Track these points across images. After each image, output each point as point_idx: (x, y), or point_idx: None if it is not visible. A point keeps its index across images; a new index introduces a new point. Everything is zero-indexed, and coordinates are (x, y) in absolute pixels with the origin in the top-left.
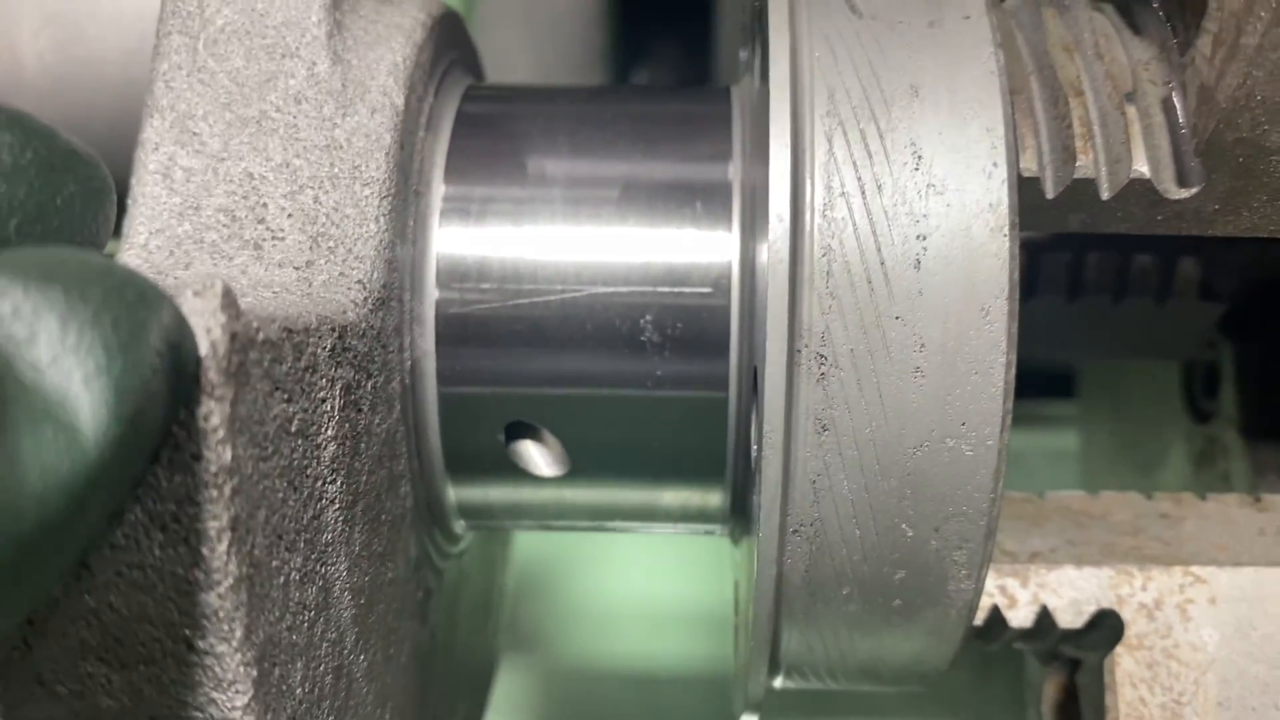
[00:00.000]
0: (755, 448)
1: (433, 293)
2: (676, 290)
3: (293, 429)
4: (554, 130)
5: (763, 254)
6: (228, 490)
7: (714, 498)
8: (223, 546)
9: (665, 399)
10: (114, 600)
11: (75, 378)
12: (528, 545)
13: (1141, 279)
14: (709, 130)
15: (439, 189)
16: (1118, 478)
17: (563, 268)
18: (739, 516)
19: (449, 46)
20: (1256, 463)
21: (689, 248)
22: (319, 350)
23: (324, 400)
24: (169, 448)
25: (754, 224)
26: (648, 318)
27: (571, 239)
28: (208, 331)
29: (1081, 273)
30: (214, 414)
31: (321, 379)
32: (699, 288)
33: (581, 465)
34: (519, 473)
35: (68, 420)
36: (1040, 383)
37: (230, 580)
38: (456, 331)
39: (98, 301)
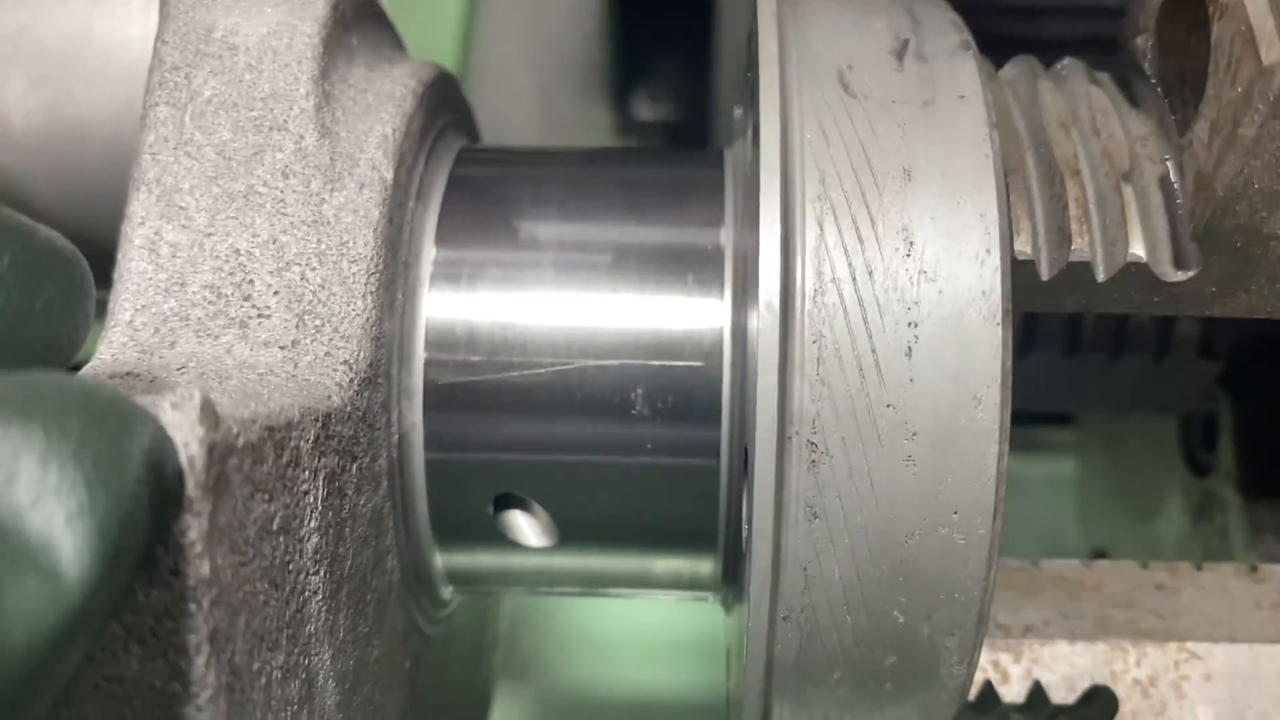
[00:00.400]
0: (746, 529)
1: (421, 365)
2: (667, 363)
3: (274, 527)
4: (545, 195)
5: (755, 323)
6: (206, 603)
7: (705, 566)
8: (201, 659)
9: (656, 470)
10: (91, 712)
11: (58, 519)
12: (516, 621)
13: (1139, 336)
14: (701, 197)
15: (429, 258)
16: (1114, 523)
17: (553, 338)
18: (731, 584)
19: (442, 110)
20: (1254, 522)
21: (680, 318)
22: (302, 444)
23: (306, 493)
24: (147, 563)
25: (746, 292)
26: (639, 390)
27: (562, 307)
28: (185, 446)
29: (1079, 329)
30: (191, 528)
31: (304, 472)
32: (690, 360)
33: (571, 535)
34: (508, 541)
35: (50, 565)
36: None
37: (209, 691)
38: (445, 403)
39: (78, 436)
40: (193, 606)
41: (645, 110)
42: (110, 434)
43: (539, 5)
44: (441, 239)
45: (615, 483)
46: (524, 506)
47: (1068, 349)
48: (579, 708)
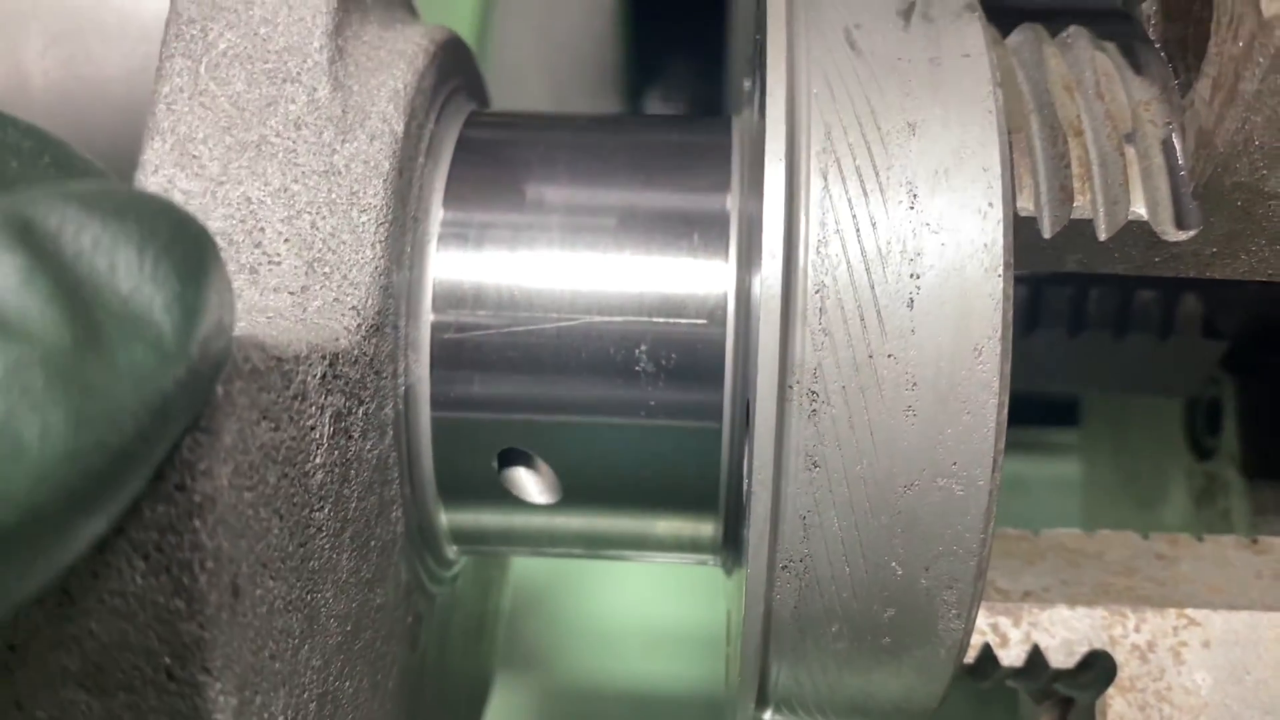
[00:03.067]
0: (747, 481)
1: (428, 318)
2: (671, 321)
3: (279, 457)
4: (553, 158)
5: (758, 286)
6: (210, 520)
7: (707, 528)
8: (204, 577)
9: (659, 429)
10: (95, 627)
11: (156, 303)
12: (524, 564)
13: (1144, 315)
14: (708, 161)
15: (437, 215)
16: (1118, 512)
17: (558, 296)
18: (732, 548)
19: (453, 72)
20: (1256, 502)
21: (685, 278)
22: (309, 378)
23: (313, 428)
24: (153, 479)
25: (750, 255)
26: (643, 347)
27: (568, 267)
28: None
29: (1084, 307)
30: (198, 443)
31: (311, 406)
32: (694, 319)
33: (574, 493)
34: (512, 499)
35: (153, 339)
36: (1044, 411)
37: (210, 610)
38: (451, 358)
39: (167, 234)
40: (196, 523)
41: (658, 109)
42: (194, 237)
43: (553, 5)
44: (450, 198)
45: (618, 441)
46: (528, 463)
47: (1072, 328)
48: (580, 699)
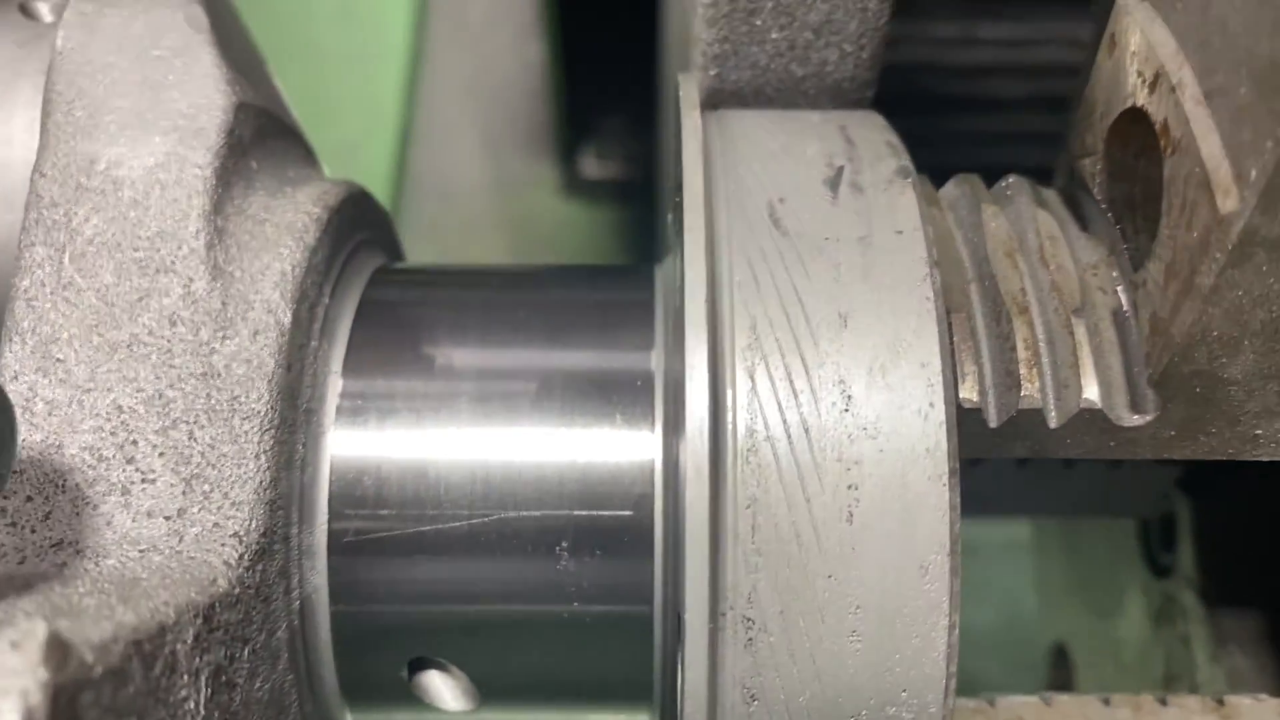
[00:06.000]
0: (680, 708)
1: (325, 523)
2: (595, 513)
3: None
4: (463, 323)
5: (686, 471)
6: None
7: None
8: None
9: (584, 626)
10: None
11: None
12: None
13: None
14: (629, 322)
15: (335, 396)
16: (1075, 621)
17: (470, 489)
18: None
19: (353, 230)
20: (1217, 632)
21: (608, 457)
22: (178, 646)
23: (185, 699)
24: None
25: (678, 424)
26: (564, 544)
27: (480, 449)
28: (24, 695)
29: None
30: None
31: (182, 677)
32: (620, 510)
33: (494, 695)
34: (425, 705)
35: None
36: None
37: None
38: (351, 564)
39: None
40: None
41: (592, 168)
42: None
43: (484, 62)
44: (350, 372)
45: (539, 643)
46: (441, 668)
47: (1019, 458)
48: None
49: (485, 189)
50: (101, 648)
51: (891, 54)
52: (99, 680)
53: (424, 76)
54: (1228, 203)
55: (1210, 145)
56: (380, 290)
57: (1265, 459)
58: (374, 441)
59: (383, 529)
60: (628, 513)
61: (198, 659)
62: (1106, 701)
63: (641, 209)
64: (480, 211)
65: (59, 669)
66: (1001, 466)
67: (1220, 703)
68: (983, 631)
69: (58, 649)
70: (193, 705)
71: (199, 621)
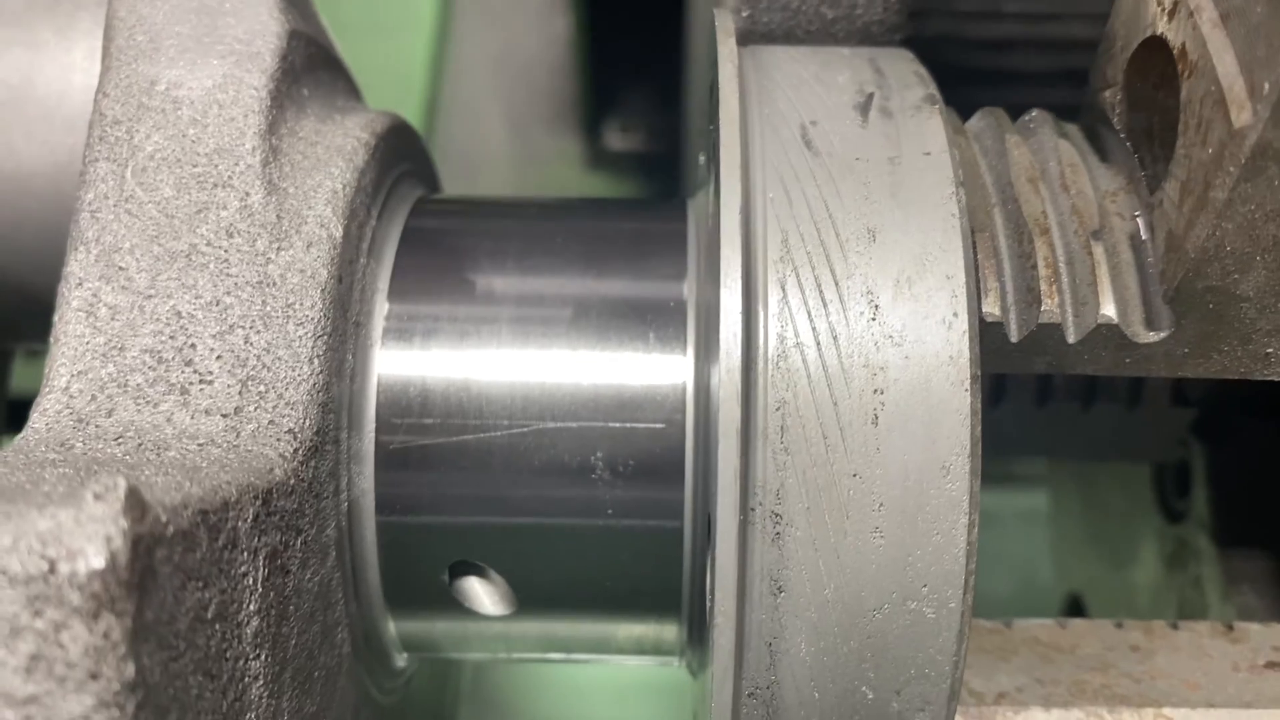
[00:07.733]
0: (710, 601)
1: (372, 429)
2: (628, 425)
3: (209, 615)
4: (503, 249)
5: (716, 392)
6: (130, 707)
7: (670, 630)
8: None
9: (617, 535)
10: None
11: None
12: (482, 665)
13: (1111, 385)
14: (663, 250)
15: (381, 316)
16: (1089, 570)
17: (509, 401)
18: (697, 648)
19: (397, 160)
20: (1228, 572)
21: (642, 376)
22: (240, 524)
23: (245, 575)
24: (60, 663)
25: (710, 348)
26: (599, 454)
27: (519, 367)
28: (108, 541)
29: (1051, 379)
30: (114, 629)
31: (243, 553)
32: (652, 422)
33: (530, 602)
34: (464, 610)
35: None
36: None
37: None
38: (397, 469)
39: None
40: (115, 712)
41: (616, 141)
42: None
43: (509, 36)
44: (395, 295)
45: (575, 548)
46: (480, 574)
47: (1039, 398)
48: None
49: (510, 162)
50: (174, 509)
51: (915, 27)
52: (172, 539)
53: (450, 51)
54: (1242, 116)
55: (1225, 64)
56: (423, 219)
57: (1276, 378)
58: (419, 358)
59: (426, 438)
60: (660, 425)
61: (256, 539)
62: (1119, 625)
63: (665, 182)
64: (505, 184)
65: (138, 521)
66: (1020, 410)
67: (1229, 627)
68: (997, 602)
69: (137, 503)
70: (251, 581)
71: (258, 503)
